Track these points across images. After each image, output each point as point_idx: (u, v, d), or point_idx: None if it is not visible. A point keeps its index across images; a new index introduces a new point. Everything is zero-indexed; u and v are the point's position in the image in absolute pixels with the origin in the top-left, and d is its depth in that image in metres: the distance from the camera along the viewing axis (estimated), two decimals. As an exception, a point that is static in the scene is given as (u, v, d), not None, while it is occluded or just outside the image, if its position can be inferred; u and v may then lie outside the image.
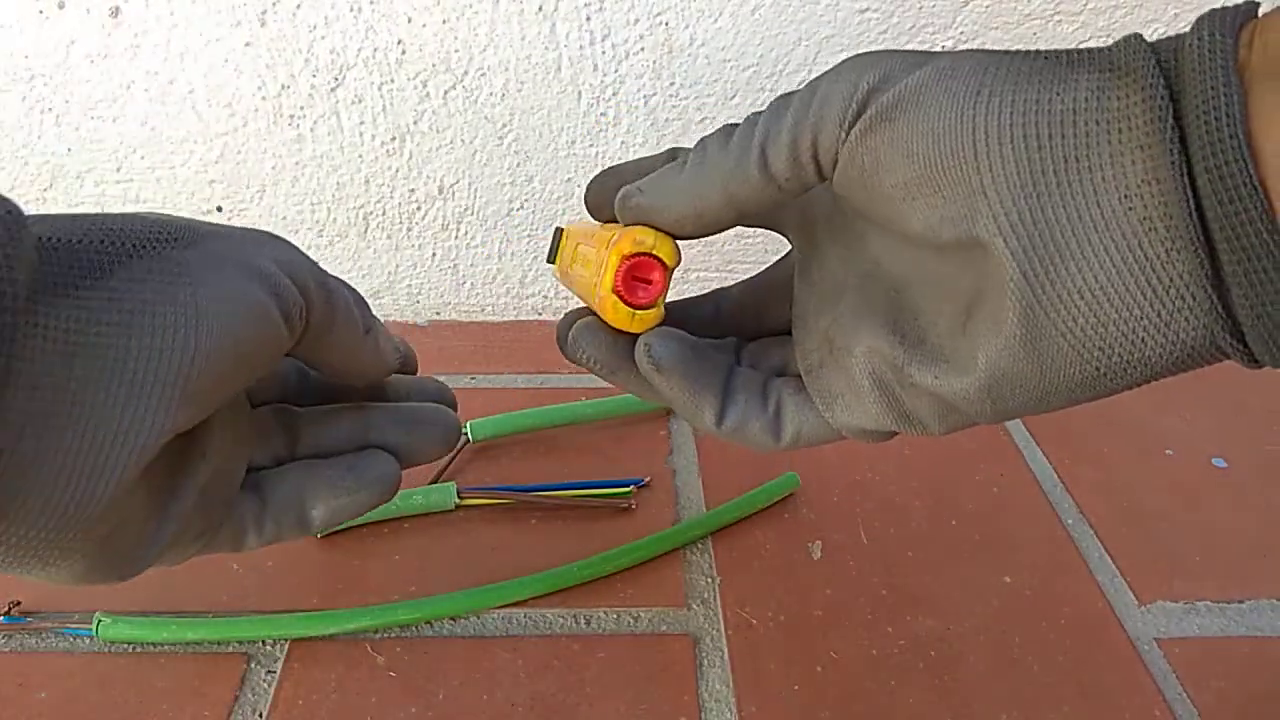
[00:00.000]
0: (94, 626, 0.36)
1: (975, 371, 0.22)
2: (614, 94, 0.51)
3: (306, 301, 0.24)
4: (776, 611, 0.38)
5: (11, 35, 0.48)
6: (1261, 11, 0.20)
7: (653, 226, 0.26)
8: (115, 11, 0.48)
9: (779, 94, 0.26)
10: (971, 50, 0.22)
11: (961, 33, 0.50)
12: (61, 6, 0.48)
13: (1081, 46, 0.22)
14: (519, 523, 0.43)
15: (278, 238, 0.25)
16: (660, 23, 0.49)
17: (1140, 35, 0.21)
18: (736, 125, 0.25)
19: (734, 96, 0.51)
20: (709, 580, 0.40)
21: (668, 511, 0.43)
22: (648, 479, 0.45)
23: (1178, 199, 0.18)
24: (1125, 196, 0.19)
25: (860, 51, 0.24)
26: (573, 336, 0.28)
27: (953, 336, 0.23)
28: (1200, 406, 0.51)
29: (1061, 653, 0.37)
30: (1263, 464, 0.47)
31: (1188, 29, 0.20)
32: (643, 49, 0.50)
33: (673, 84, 0.51)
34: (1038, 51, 0.21)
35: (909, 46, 0.50)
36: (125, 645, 0.36)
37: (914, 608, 0.39)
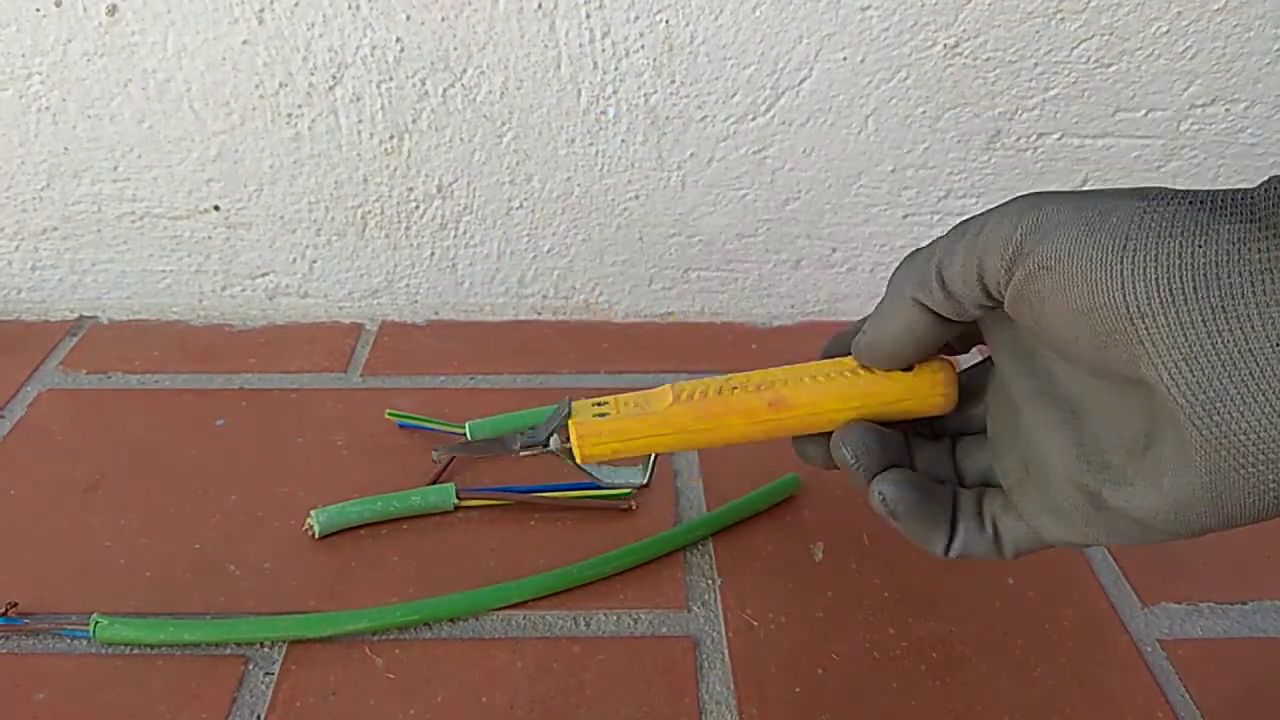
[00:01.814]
0: (91, 628, 0.36)
1: (1163, 497, 0.24)
2: (614, 92, 0.51)
3: None
4: (778, 613, 0.38)
5: (9, 34, 0.48)
6: None
7: (878, 356, 0.30)
8: (112, 10, 0.48)
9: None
10: (1120, 196, 0.24)
11: (963, 30, 0.50)
12: (59, 5, 0.48)
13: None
14: (518, 524, 0.42)
15: None
16: (660, 20, 0.49)
17: (1275, 181, 0.22)
18: (921, 250, 0.28)
19: (735, 94, 0.51)
20: (710, 582, 0.40)
21: (668, 513, 0.43)
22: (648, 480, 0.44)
23: None
24: (1277, 346, 0.21)
25: (1021, 194, 0.27)
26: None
27: (1133, 461, 0.25)
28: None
29: (1064, 654, 0.37)
30: (1266, 464, 0.47)
31: None
32: (643, 46, 0.50)
33: (673, 82, 0.51)
34: (1183, 194, 0.23)
35: (910, 45, 0.50)
36: (123, 647, 0.36)
37: (916, 609, 0.39)
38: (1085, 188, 0.55)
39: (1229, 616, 0.39)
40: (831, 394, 0.31)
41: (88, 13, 0.48)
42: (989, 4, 0.49)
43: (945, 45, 0.50)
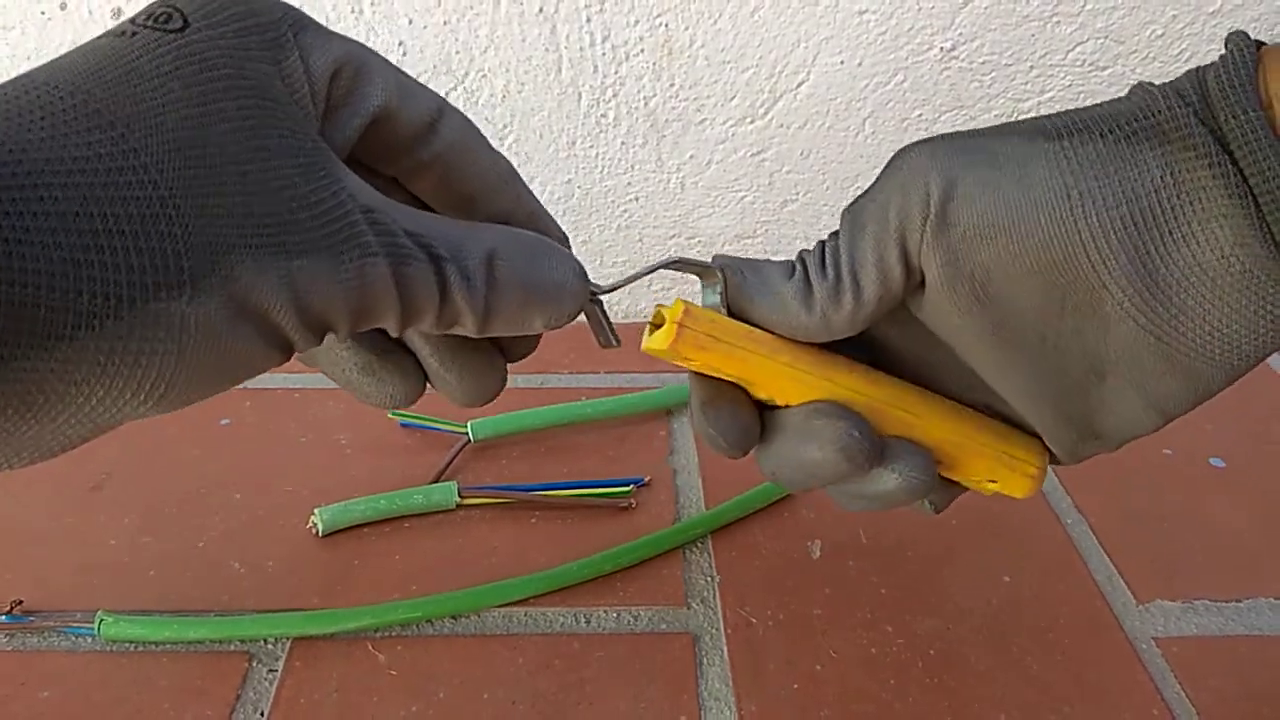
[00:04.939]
0: (96, 625, 0.36)
1: (1149, 416, 0.27)
2: (614, 95, 0.52)
3: (322, 331, 0.21)
4: (776, 610, 0.39)
5: (14, 37, 0.49)
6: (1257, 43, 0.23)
7: (745, 312, 0.27)
8: (118, 13, 0.48)
9: (843, 207, 0.27)
10: (1016, 139, 0.24)
11: (960, 34, 0.50)
12: (64, 7, 0.48)
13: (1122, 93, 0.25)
14: (519, 522, 0.43)
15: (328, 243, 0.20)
16: (660, 24, 0.50)
17: (1170, 96, 0.23)
18: (829, 244, 0.26)
19: (734, 98, 0.52)
20: (709, 579, 0.40)
21: (668, 511, 0.43)
22: (648, 478, 0.45)
23: (1269, 254, 0.23)
24: (1223, 257, 0.23)
25: (903, 146, 0.25)
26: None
27: (1096, 396, 0.26)
28: (1199, 407, 0.51)
29: (1060, 652, 0.37)
30: (1260, 463, 0.47)
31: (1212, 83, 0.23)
32: (643, 50, 0.50)
33: (673, 85, 0.51)
34: (1084, 128, 0.24)
35: (907, 48, 0.50)
36: (127, 644, 0.36)
37: (913, 607, 0.39)
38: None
39: (1224, 614, 0.39)
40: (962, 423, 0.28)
41: (93, 15, 0.48)
42: (985, 8, 0.50)
43: (942, 49, 0.51)
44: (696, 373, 0.27)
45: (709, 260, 0.27)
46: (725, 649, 0.37)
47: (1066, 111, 0.25)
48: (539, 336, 0.27)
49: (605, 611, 0.38)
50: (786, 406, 0.27)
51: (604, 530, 0.42)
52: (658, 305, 0.26)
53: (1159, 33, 0.51)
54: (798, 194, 0.55)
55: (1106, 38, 0.51)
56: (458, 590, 0.38)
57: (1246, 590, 0.40)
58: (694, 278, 0.28)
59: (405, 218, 0.21)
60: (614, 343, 0.27)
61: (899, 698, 0.35)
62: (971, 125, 0.53)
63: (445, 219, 0.23)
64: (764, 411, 0.28)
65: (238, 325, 0.19)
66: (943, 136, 0.25)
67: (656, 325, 0.26)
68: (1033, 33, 0.50)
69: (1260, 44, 0.23)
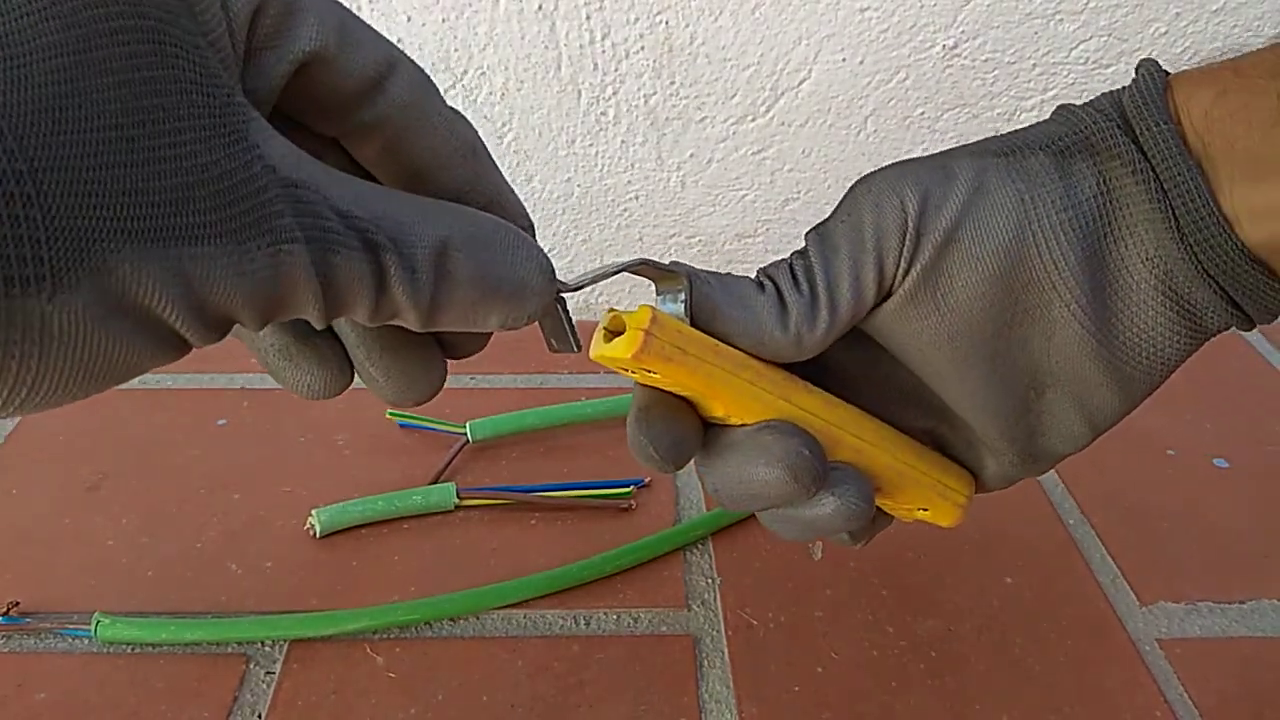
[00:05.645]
0: (93, 627, 0.36)
1: (1081, 430, 0.27)
2: (614, 93, 0.51)
3: (224, 327, 0.18)
4: (777, 612, 0.38)
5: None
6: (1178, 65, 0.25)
7: (710, 323, 0.25)
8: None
9: (810, 227, 0.27)
10: (968, 157, 0.25)
11: (962, 31, 0.50)
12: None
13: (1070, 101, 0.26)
14: (519, 523, 0.42)
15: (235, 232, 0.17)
16: (660, 21, 0.49)
17: (1093, 113, 0.25)
18: (799, 264, 0.26)
19: (734, 96, 0.51)
20: (709, 581, 0.40)
21: (668, 512, 0.43)
22: (648, 479, 0.45)
23: (1184, 255, 0.24)
24: (1147, 259, 0.24)
25: (870, 171, 0.26)
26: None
27: (1034, 413, 0.27)
28: (1201, 407, 0.51)
29: (1063, 653, 0.37)
30: (1264, 464, 0.47)
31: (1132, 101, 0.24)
32: (642, 48, 0.50)
33: (673, 83, 0.51)
34: (1024, 145, 0.25)
35: (909, 46, 0.50)
36: (124, 646, 0.36)
37: (915, 608, 0.39)
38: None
39: (1227, 616, 0.39)
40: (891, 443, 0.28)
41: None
42: (988, 5, 0.49)
43: (944, 46, 0.51)
44: (642, 383, 0.26)
45: (671, 265, 0.25)
46: (726, 651, 0.37)
47: (1002, 135, 0.26)
48: (490, 333, 0.25)
49: (605, 614, 0.38)
50: (741, 425, 0.26)
51: (604, 531, 0.42)
52: (611, 310, 0.24)
53: (1162, 30, 0.50)
54: (799, 192, 0.55)
55: (1110, 35, 0.50)
56: (456, 592, 0.38)
57: (1250, 592, 0.40)
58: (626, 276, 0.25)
59: (339, 194, 0.18)
60: (574, 347, 0.24)
61: (900, 699, 0.35)
62: (974, 123, 0.53)
63: (394, 195, 0.19)
64: (711, 428, 0.27)
65: (113, 323, 0.16)
66: (894, 163, 0.26)
67: (613, 331, 0.24)
68: (1036, 30, 0.50)
69: (1168, 72, 0.25)
